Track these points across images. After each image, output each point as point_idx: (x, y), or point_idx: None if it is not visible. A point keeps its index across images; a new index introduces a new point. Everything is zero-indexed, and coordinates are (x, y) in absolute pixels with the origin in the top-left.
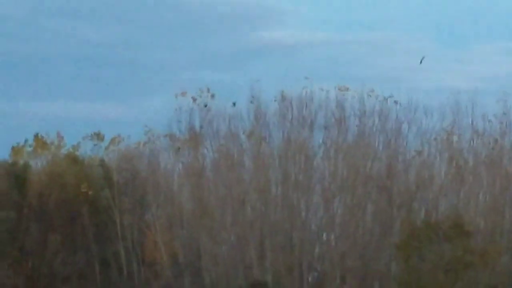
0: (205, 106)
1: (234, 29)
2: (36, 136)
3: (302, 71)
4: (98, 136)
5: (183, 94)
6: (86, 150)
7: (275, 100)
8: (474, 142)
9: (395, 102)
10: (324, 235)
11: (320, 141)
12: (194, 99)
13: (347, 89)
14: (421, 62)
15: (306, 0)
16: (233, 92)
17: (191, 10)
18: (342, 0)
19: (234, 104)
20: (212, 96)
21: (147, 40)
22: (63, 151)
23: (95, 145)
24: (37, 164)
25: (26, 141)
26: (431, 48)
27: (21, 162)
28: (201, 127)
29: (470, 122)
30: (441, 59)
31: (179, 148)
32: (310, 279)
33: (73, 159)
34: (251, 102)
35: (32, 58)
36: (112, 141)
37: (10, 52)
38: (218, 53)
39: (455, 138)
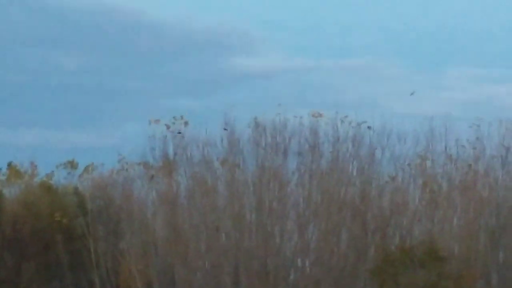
0: (179, 133)
1: (209, 56)
2: (9, 164)
3: (276, 98)
4: (72, 164)
5: (157, 121)
6: (60, 178)
7: (248, 127)
8: (448, 167)
9: (369, 127)
10: (299, 261)
11: (294, 167)
12: (168, 127)
13: (321, 115)
14: (411, 94)
15: (282, 26)
16: (207, 119)
17: (166, 37)
18: (317, 27)
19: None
20: (186, 123)
21: (122, 67)
22: (37, 179)
23: (68, 173)
24: (11, 192)
25: None
26: (405, 73)
27: None
28: (175, 154)
29: (444, 148)
30: (415, 85)
31: (153, 176)
32: None
33: (47, 188)
34: (225, 129)
35: (5, 87)
36: (86, 169)
37: None
38: (193, 80)
39: (428, 163)
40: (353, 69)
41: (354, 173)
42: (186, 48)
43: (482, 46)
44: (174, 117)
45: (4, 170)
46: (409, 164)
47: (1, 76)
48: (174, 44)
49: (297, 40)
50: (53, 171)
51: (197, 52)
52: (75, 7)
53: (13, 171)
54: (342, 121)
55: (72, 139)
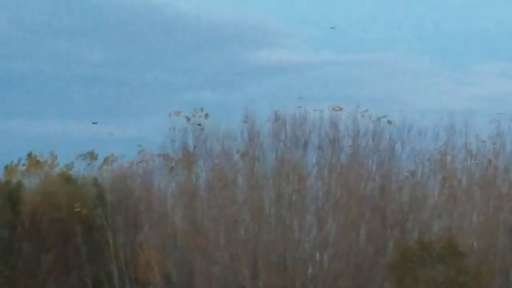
0: (199, 125)
1: (232, 49)
2: (29, 155)
3: (297, 92)
4: (92, 155)
5: (177, 113)
6: (80, 169)
7: (268, 120)
8: (468, 162)
9: (389, 122)
10: (318, 255)
11: (314, 161)
12: (188, 119)
13: (341, 109)
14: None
15: (304, 21)
16: (228, 112)
17: (189, 30)
18: (339, 21)
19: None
20: (206, 115)
21: (143, 60)
22: (56, 170)
23: (88, 164)
24: (30, 183)
25: (19, 160)
26: (427, 68)
27: (14, 181)
28: (194, 146)
29: (464, 143)
30: (436, 80)
31: (172, 168)
32: None
33: (67, 178)
34: (245, 121)
35: (26, 77)
36: (106, 160)
37: (4, 71)
38: (216, 73)
39: (448, 158)
40: (375, 64)
41: (374, 168)
42: (209, 41)
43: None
44: (194, 109)
45: (24, 160)
46: (428, 159)
47: (23, 66)
48: (197, 37)
49: (321, 34)
50: (72, 162)
51: (220, 45)
52: (99, 0)
53: (33, 161)
54: (362, 115)
55: (92, 130)
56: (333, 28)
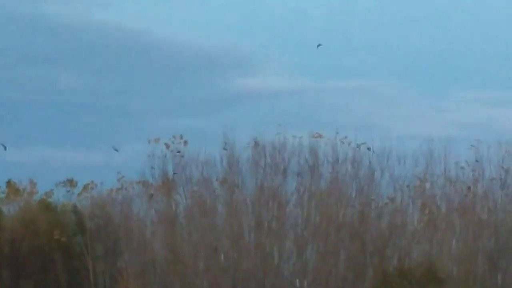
0: (178, 152)
1: (210, 76)
2: (8, 182)
3: (276, 118)
4: (71, 183)
5: (156, 140)
6: (59, 196)
7: (248, 147)
8: (447, 189)
9: (368, 149)
10: (297, 281)
11: (293, 188)
12: (167, 146)
13: (320, 136)
14: (318, 46)
15: (281, 47)
16: (207, 139)
17: (166, 57)
18: (315, 47)
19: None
20: (185, 142)
21: (121, 87)
22: (36, 197)
23: (67, 191)
24: (10, 210)
25: None
26: (406, 95)
27: None
28: (174, 173)
29: (443, 169)
30: (415, 107)
31: (152, 195)
32: None
33: (46, 206)
34: (224, 148)
35: (3, 105)
36: (85, 187)
37: None
38: (194, 100)
39: (427, 185)
40: (354, 91)
41: (353, 194)
42: (187, 68)
43: (483, 69)
44: (173, 136)
45: (3, 187)
46: (408, 186)
47: (2, 94)
48: (175, 64)
49: (298, 61)
50: (52, 189)
51: (198, 72)
52: (78, 26)
53: (12, 188)
54: (341, 142)
55: (71, 158)
56: (320, 45)
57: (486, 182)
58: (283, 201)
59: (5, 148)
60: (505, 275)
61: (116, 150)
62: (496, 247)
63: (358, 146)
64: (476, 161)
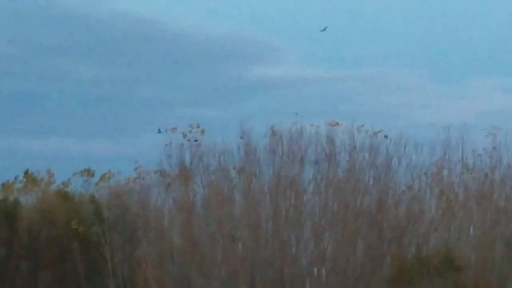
0: (196, 141)
1: (228, 66)
2: (26, 172)
3: (294, 107)
4: (88, 172)
5: (173, 130)
6: (76, 186)
7: (265, 136)
8: (465, 176)
9: (385, 137)
10: (315, 270)
11: (311, 176)
12: (185, 135)
13: (337, 124)
14: (324, 29)
15: (300, 36)
16: (224, 128)
17: (186, 47)
18: (335, 37)
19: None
20: (202, 131)
21: (138, 77)
22: (53, 187)
23: (85, 181)
24: (27, 200)
25: (16, 177)
26: (423, 83)
27: (11, 198)
28: (191, 162)
29: (460, 157)
30: (433, 95)
31: (169, 184)
32: None
33: (63, 196)
34: (241, 137)
35: (23, 96)
36: (102, 177)
37: (2, 89)
38: (212, 90)
39: (445, 172)
40: (371, 79)
41: (371, 182)
42: (205, 58)
43: (501, 57)
44: (190, 126)
45: (21, 177)
46: (425, 173)
47: (20, 85)
48: (193, 53)
49: (316, 50)
50: (69, 179)
51: (216, 62)
52: (95, 17)
53: (30, 178)
54: (358, 130)
55: (89, 148)
56: (325, 29)
57: (504, 169)
58: (300, 189)
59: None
60: None
61: (160, 131)
62: None
63: (375, 134)
64: (494, 148)
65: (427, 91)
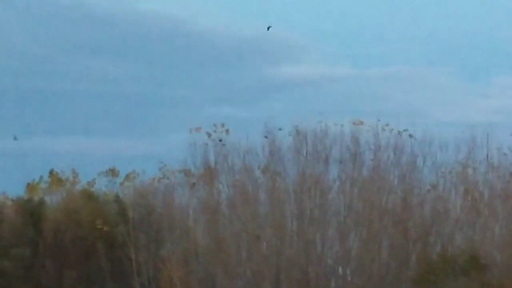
0: (220, 141)
1: (252, 65)
2: (51, 172)
3: (318, 106)
4: (113, 172)
5: (198, 129)
6: (101, 186)
7: (289, 135)
8: (490, 175)
9: (410, 136)
10: (340, 269)
11: (335, 175)
12: (209, 134)
13: (362, 123)
14: (268, 28)
15: (325, 35)
16: (249, 127)
17: (209, 46)
18: (360, 35)
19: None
20: (227, 131)
21: (163, 76)
22: (78, 187)
23: (110, 181)
24: (52, 200)
25: (41, 177)
26: (447, 81)
27: (36, 198)
28: (216, 162)
29: (485, 156)
30: (457, 93)
31: (194, 184)
32: None
33: (88, 195)
34: (266, 137)
35: (48, 95)
36: (127, 177)
37: (26, 88)
38: (238, 89)
39: (470, 171)
40: (394, 77)
41: (396, 181)
42: (230, 57)
43: None
44: (215, 125)
45: (46, 177)
46: (450, 172)
47: (45, 84)
48: (218, 52)
49: (341, 49)
50: (94, 179)
51: (240, 61)
52: (121, 16)
53: (55, 178)
54: (383, 129)
55: (113, 147)
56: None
57: None
58: (325, 188)
59: (15, 138)
60: None
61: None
62: None
63: (400, 133)
64: None
65: (452, 89)
